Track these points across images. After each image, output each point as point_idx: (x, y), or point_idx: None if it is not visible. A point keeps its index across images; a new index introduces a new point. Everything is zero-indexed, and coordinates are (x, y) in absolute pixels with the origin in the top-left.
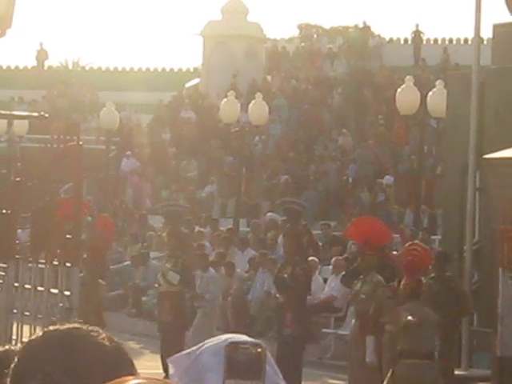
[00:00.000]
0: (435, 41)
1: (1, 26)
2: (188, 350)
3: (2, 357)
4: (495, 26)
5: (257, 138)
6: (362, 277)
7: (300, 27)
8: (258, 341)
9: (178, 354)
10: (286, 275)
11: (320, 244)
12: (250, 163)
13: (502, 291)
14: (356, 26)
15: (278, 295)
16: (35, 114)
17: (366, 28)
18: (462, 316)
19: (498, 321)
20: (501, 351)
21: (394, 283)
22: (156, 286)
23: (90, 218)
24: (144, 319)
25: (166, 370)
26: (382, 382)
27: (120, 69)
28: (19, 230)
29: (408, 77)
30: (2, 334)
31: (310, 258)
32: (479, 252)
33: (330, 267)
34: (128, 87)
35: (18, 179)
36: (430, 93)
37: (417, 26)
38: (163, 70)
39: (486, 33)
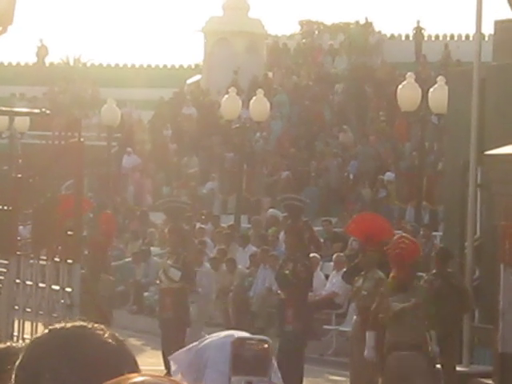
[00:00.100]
0: (436, 37)
1: (2, 23)
2: (188, 346)
3: (3, 353)
4: (496, 23)
5: (258, 134)
6: (363, 273)
7: (301, 23)
8: (264, 337)
9: (178, 351)
10: (287, 272)
11: (321, 240)
12: (251, 159)
13: (503, 287)
14: (357, 23)
15: (279, 292)
16: (36, 111)
17: (368, 24)
18: (463, 312)
19: (499, 317)
20: (502, 347)
21: None
22: (157, 282)
23: (91, 215)
24: (145, 316)
25: (167, 366)
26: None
27: (121, 65)
28: (20, 227)
29: (409, 73)
30: (3, 330)
31: (312, 255)
32: (480, 248)
33: (332, 263)
34: (129, 84)
35: (20, 176)
36: (431, 89)
37: (418, 22)
38: (164, 66)
39: (488, 29)
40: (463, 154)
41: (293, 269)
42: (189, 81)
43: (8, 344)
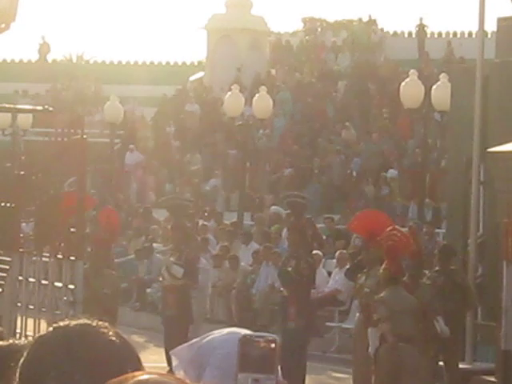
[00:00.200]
0: (439, 34)
1: (5, 20)
2: (190, 342)
3: (6, 351)
4: (499, 20)
5: (261, 131)
6: (366, 270)
7: (304, 21)
8: (272, 335)
9: (180, 347)
10: (290, 269)
11: (324, 237)
12: (254, 157)
13: (506, 285)
14: (360, 20)
15: (282, 289)
16: (39, 108)
17: (371, 21)
18: (466, 310)
19: (502, 314)
20: (505, 345)
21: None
22: (160, 279)
23: (94, 212)
24: (148, 313)
25: (169, 363)
26: None
27: (124, 62)
28: (23, 224)
29: (412, 70)
30: (6, 327)
31: (314, 252)
32: (483, 245)
33: (334, 261)
34: (132, 81)
35: (22, 173)
36: (434, 86)
37: (421, 19)
38: (167, 63)
39: (490, 26)
40: (466, 151)
41: (295, 266)
42: (192, 78)
43: (11, 341)
